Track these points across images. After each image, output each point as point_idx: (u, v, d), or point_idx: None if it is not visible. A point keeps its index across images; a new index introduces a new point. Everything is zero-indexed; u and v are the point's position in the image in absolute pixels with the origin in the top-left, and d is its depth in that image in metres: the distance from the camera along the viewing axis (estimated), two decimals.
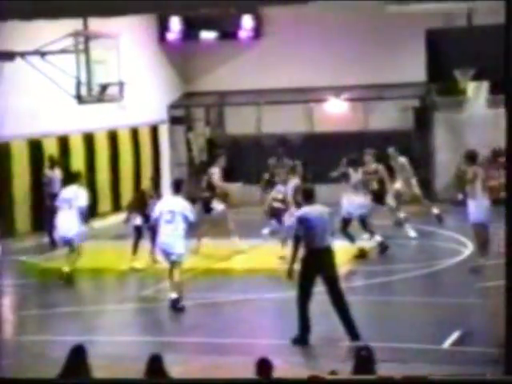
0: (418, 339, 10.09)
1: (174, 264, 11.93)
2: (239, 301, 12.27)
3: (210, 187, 15.21)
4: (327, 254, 10.05)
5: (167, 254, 12.03)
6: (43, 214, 16.89)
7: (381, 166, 15.54)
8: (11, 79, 16.39)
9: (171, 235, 11.88)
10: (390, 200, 16.14)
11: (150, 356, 6.89)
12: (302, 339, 10.04)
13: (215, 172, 15.30)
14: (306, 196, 10.35)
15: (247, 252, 14.98)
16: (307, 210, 10.22)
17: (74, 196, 14.02)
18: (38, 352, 10.27)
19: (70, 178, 14.79)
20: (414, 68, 19.35)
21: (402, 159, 16.65)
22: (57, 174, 16.84)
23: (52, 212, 16.73)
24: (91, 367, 7.13)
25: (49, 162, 16.86)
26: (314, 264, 10.02)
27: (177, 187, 12.28)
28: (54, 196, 16.67)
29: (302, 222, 10.10)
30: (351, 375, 6.77)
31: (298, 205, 12.40)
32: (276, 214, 14.45)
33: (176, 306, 11.68)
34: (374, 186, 15.40)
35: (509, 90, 7.08)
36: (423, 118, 20.37)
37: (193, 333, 10.88)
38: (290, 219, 14.01)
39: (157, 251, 12.62)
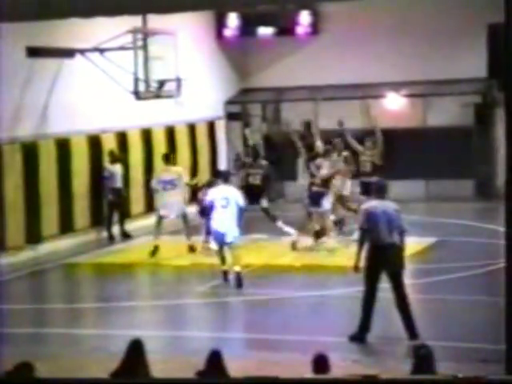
0: (477, 339, 9.92)
1: (230, 245, 12.90)
2: (297, 297, 12.23)
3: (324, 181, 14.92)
4: (392, 250, 9.90)
5: (223, 237, 12.88)
6: (103, 208, 17.07)
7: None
8: (71, 76, 16.59)
9: (226, 219, 12.79)
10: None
11: (209, 352, 6.88)
12: (360, 337, 9.95)
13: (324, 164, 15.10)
14: (377, 190, 10.24)
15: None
16: (374, 204, 10.11)
17: (177, 176, 15.02)
18: (97, 345, 10.37)
19: (166, 158, 15.74)
20: (475, 63, 19.04)
21: (345, 153, 16.05)
22: (118, 168, 16.99)
23: (113, 206, 16.93)
24: (148, 362, 7.17)
25: (110, 156, 17.02)
26: (378, 260, 9.91)
27: (226, 177, 13.49)
28: (116, 190, 16.85)
29: (368, 215, 9.98)
30: (410, 374, 6.68)
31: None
32: (316, 197, 14.59)
33: (240, 278, 12.61)
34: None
35: (509, 90, 6.90)
36: (484, 115, 20.03)
37: (250, 329, 10.87)
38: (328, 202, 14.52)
39: (212, 235, 13.38)
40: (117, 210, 16.96)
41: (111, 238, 16.86)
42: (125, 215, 17.18)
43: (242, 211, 12.87)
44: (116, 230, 17.04)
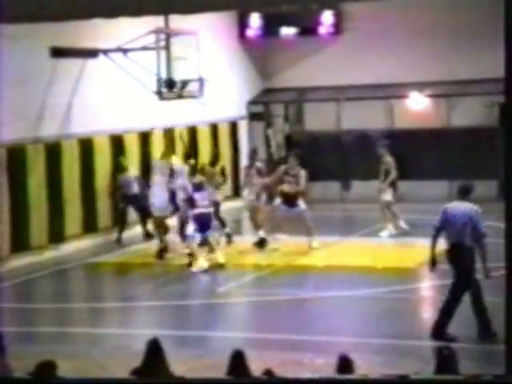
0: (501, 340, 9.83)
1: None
2: (318, 298, 12.20)
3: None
4: (461, 251, 9.90)
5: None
6: (117, 214, 16.85)
7: (389, 158, 15.73)
8: (94, 76, 16.65)
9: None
10: (388, 196, 15.85)
11: (232, 352, 6.87)
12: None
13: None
14: (460, 191, 10.25)
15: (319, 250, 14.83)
16: (453, 204, 10.18)
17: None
18: (119, 345, 10.39)
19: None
20: (499, 62, 18.89)
21: (389, 158, 16.06)
22: (131, 174, 16.80)
23: (124, 214, 16.76)
24: (169, 361, 7.17)
25: (119, 165, 16.71)
26: (449, 260, 9.99)
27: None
28: (131, 197, 16.68)
29: (444, 215, 10.04)
30: (434, 375, 6.64)
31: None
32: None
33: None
34: (383, 178, 15.81)
35: (509, 92, 6.80)
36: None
37: (272, 329, 10.84)
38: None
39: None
40: (138, 212, 16.83)
41: (119, 241, 16.67)
42: (146, 215, 17.04)
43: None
44: (136, 230, 16.97)
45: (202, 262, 13.96)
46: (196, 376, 7.93)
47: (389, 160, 15.86)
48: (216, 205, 15.31)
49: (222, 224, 15.40)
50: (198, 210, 14.14)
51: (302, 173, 15.04)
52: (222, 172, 16.10)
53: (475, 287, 10.03)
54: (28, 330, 11.19)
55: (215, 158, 16.62)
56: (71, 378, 7.17)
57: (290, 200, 14.94)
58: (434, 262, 10.10)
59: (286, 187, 14.91)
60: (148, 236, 16.92)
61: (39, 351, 9.41)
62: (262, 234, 15.09)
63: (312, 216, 15.51)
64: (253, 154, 16.29)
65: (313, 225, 15.03)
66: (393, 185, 15.93)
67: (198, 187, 14.33)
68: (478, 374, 6.90)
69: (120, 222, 16.79)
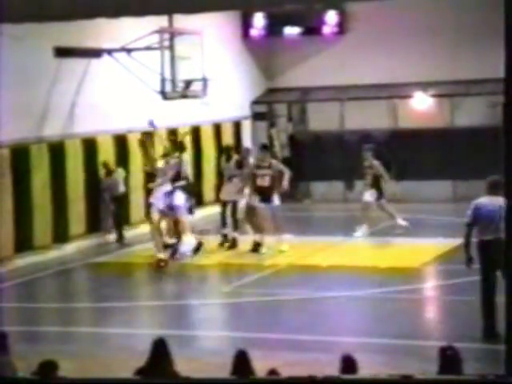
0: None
1: None
2: (322, 297, 12.20)
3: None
4: (495, 246, 9.75)
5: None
6: (112, 217, 16.73)
7: (375, 162, 15.75)
8: (98, 76, 16.66)
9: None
10: (368, 196, 15.88)
11: (236, 351, 6.87)
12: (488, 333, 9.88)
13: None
14: (489, 186, 10.10)
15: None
16: (484, 200, 10.05)
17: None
18: (123, 344, 10.40)
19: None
20: (503, 63, 18.88)
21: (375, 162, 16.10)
22: (119, 175, 16.63)
23: (118, 215, 16.63)
24: (174, 361, 7.17)
25: (104, 168, 16.54)
26: (484, 256, 9.88)
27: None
28: (119, 198, 16.58)
29: (475, 210, 9.95)
30: (437, 375, 6.63)
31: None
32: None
33: None
34: (369, 180, 15.88)
35: (509, 91, 6.79)
36: None
37: (275, 329, 10.85)
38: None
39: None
40: (118, 214, 16.72)
41: (119, 241, 16.63)
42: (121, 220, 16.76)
43: None
44: (135, 232, 16.93)
45: (190, 239, 14.19)
46: (200, 376, 7.93)
47: (375, 163, 15.84)
48: (233, 204, 15.17)
49: (235, 225, 15.20)
50: (182, 181, 14.55)
51: (274, 161, 15.04)
52: (239, 165, 15.68)
53: (492, 285, 9.87)
54: (31, 329, 11.21)
55: (228, 152, 16.30)
56: (74, 377, 7.18)
57: (265, 194, 14.71)
58: (471, 259, 9.98)
59: (259, 181, 14.78)
60: (121, 239, 16.64)
61: (42, 351, 9.42)
62: (257, 238, 14.91)
63: (315, 216, 15.51)
64: (245, 154, 16.01)
65: (282, 224, 14.89)
66: (378, 186, 15.85)
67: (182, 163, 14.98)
68: (480, 374, 6.89)
69: (117, 222, 16.72)
